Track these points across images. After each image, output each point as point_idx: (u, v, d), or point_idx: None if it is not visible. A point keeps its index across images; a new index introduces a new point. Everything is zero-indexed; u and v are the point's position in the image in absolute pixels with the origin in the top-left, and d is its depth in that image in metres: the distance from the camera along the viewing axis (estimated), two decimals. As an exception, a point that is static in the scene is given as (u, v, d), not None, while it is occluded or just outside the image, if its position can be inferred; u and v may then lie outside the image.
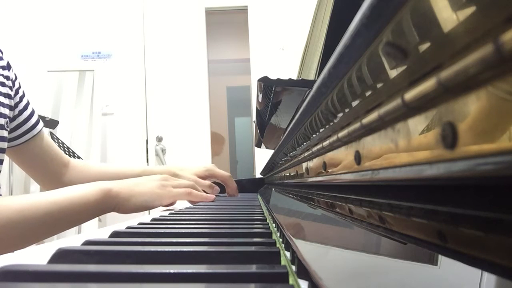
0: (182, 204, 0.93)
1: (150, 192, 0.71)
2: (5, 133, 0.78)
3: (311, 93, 0.27)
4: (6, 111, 0.78)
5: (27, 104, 0.87)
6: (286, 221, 0.39)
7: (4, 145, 0.78)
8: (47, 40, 2.81)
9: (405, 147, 0.15)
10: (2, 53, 0.82)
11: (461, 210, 0.13)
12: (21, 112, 0.85)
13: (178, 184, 0.79)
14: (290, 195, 0.57)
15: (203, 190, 0.89)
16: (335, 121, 0.25)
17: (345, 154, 0.24)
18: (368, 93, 0.18)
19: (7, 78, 0.81)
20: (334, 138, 0.25)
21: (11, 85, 0.82)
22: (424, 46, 0.12)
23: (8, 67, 0.82)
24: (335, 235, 0.27)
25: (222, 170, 1.07)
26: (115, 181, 0.69)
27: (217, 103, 3.68)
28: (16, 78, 0.85)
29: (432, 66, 0.12)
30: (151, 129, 2.87)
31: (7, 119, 0.79)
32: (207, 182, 1.01)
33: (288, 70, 2.56)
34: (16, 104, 0.84)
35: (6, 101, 0.79)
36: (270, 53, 2.83)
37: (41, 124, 0.90)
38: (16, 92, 0.84)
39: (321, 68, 0.55)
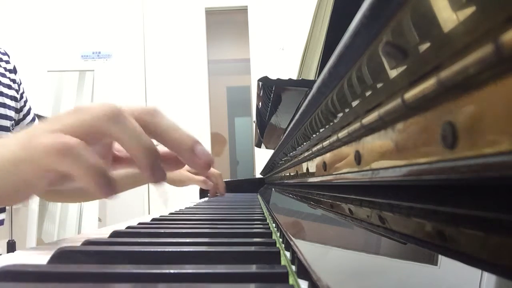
0: (182, 204, 0.93)
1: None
2: None
3: (311, 93, 0.27)
4: (12, 113, 0.79)
5: (30, 109, 0.88)
6: (286, 221, 0.39)
7: None
8: (47, 40, 2.81)
9: (405, 147, 0.15)
10: (9, 56, 0.83)
11: (461, 210, 0.13)
12: (25, 116, 0.86)
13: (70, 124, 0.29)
14: (290, 195, 0.57)
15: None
16: (335, 121, 0.25)
17: (345, 154, 0.24)
18: (368, 93, 0.18)
19: (14, 81, 0.82)
20: (334, 138, 0.25)
21: (17, 88, 0.83)
22: (424, 46, 0.12)
23: (14, 70, 0.83)
24: (335, 235, 0.27)
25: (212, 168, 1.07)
26: None
27: (217, 103, 3.68)
28: (20, 82, 0.86)
29: (432, 66, 0.12)
30: (151, 129, 2.86)
31: (13, 121, 0.79)
32: (201, 177, 1.01)
33: (288, 70, 2.55)
34: (21, 108, 0.85)
35: (12, 103, 0.80)
36: (270, 53, 2.83)
37: None
38: (21, 97, 0.85)
39: (321, 68, 0.55)
